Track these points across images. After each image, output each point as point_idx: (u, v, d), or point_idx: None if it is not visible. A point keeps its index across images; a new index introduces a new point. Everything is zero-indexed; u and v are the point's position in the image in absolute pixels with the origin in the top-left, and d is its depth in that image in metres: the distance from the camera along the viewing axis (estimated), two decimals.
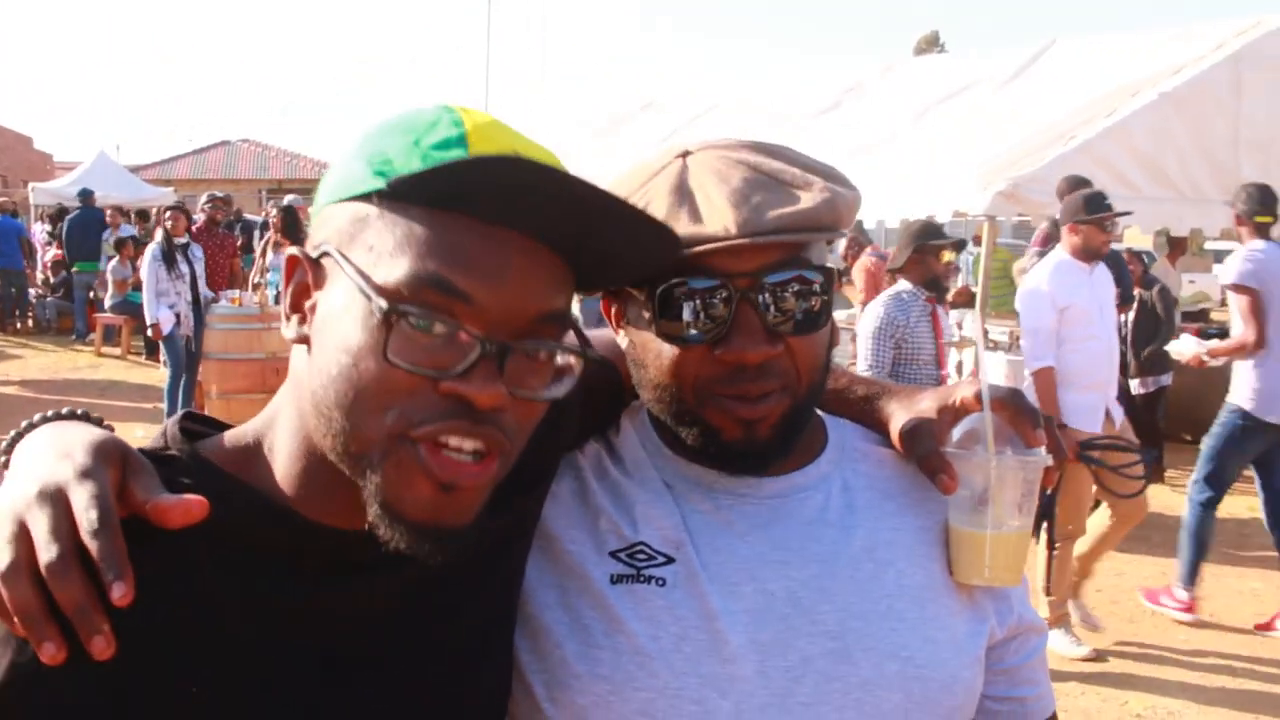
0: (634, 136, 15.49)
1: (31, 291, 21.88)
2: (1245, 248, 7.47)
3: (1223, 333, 13.11)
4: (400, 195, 1.16)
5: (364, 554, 1.26)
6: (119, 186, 30.06)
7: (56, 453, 1.16)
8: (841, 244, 13.17)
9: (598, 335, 1.72)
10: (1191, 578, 7.54)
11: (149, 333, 12.64)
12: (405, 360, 1.14)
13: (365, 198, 1.19)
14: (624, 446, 1.67)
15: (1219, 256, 29.41)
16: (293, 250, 1.26)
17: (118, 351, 18.36)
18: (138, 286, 16.69)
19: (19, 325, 21.23)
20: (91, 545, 1.08)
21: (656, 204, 1.47)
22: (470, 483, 1.19)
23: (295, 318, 1.26)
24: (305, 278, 1.25)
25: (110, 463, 1.15)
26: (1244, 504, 9.55)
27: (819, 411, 1.71)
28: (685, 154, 1.54)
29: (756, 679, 1.46)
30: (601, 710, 1.46)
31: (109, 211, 21.07)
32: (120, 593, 1.06)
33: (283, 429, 1.29)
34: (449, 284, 1.14)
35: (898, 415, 1.67)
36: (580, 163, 14.83)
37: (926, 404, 1.64)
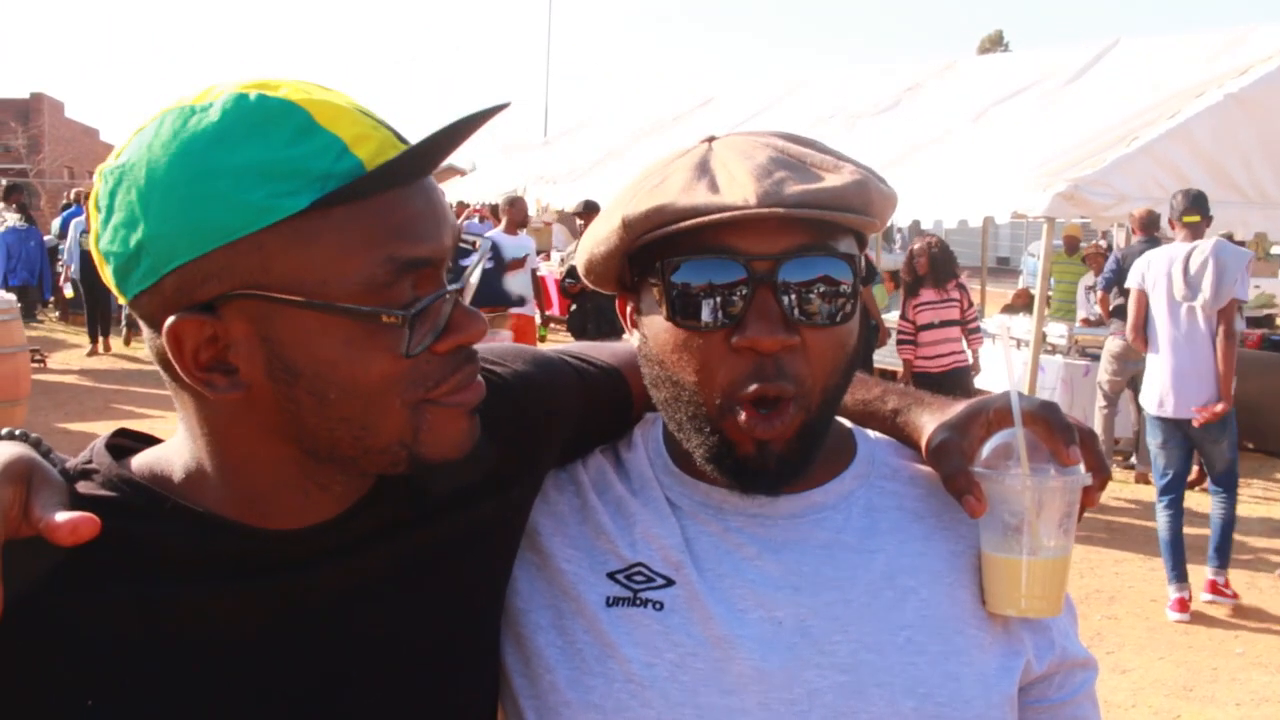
0: (691, 133, 15.46)
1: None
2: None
3: None
4: (327, 203, 1.13)
5: (304, 548, 1.27)
6: None
7: None
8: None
9: (612, 347, 1.69)
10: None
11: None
12: (414, 347, 1.18)
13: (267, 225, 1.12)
14: (632, 461, 1.59)
15: None
16: (178, 318, 1.13)
17: None
18: None
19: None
20: None
21: (675, 178, 1.41)
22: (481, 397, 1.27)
23: (216, 376, 1.17)
24: (206, 333, 1.15)
25: (11, 481, 1.13)
26: None
27: (847, 423, 1.63)
28: (712, 139, 1.49)
29: (758, 711, 1.37)
30: None
31: None
32: None
33: (217, 450, 1.25)
34: (414, 260, 1.17)
35: (928, 429, 1.55)
36: (633, 160, 14.83)
37: (959, 417, 1.52)
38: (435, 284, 1.19)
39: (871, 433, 1.64)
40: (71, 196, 22.57)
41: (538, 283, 13.56)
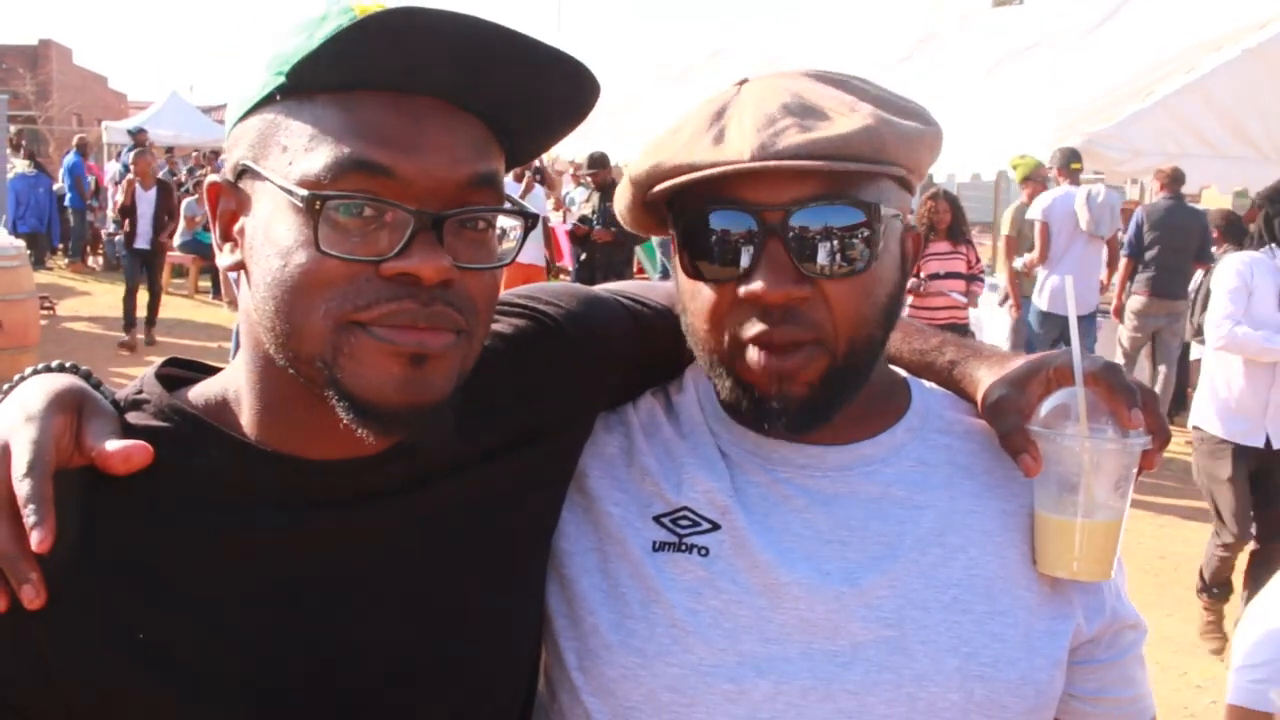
0: (699, 85, 15.35)
1: (111, 226, 22.04)
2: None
3: None
4: (301, 86, 1.14)
5: (349, 484, 1.26)
6: (190, 127, 30.30)
7: (14, 403, 1.17)
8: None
9: (666, 287, 1.66)
10: None
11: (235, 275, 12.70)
12: (340, 249, 1.12)
13: (269, 101, 1.17)
14: (682, 405, 1.56)
15: None
16: (212, 178, 1.24)
17: (185, 290, 18.59)
18: (208, 226, 16.77)
19: (85, 262, 21.52)
20: (18, 490, 1.08)
21: (687, 128, 1.40)
22: (439, 350, 1.16)
23: (227, 246, 1.24)
24: (230, 204, 1.23)
25: (62, 410, 1.15)
26: None
27: (903, 373, 1.61)
28: (744, 82, 1.46)
29: (800, 661, 1.36)
30: (630, 684, 1.38)
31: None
32: (39, 538, 1.05)
33: (247, 366, 1.26)
34: (368, 162, 1.12)
35: (985, 383, 1.52)
36: (648, 110, 14.76)
37: (1017, 373, 1.49)
38: (395, 199, 1.13)
39: (928, 384, 1.61)
40: (75, 143, 22.50)
41: (547, 233, 13.53)
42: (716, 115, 1.40)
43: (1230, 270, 6.36)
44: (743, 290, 1.34)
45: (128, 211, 14.42)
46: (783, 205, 1.32)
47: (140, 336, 14.02)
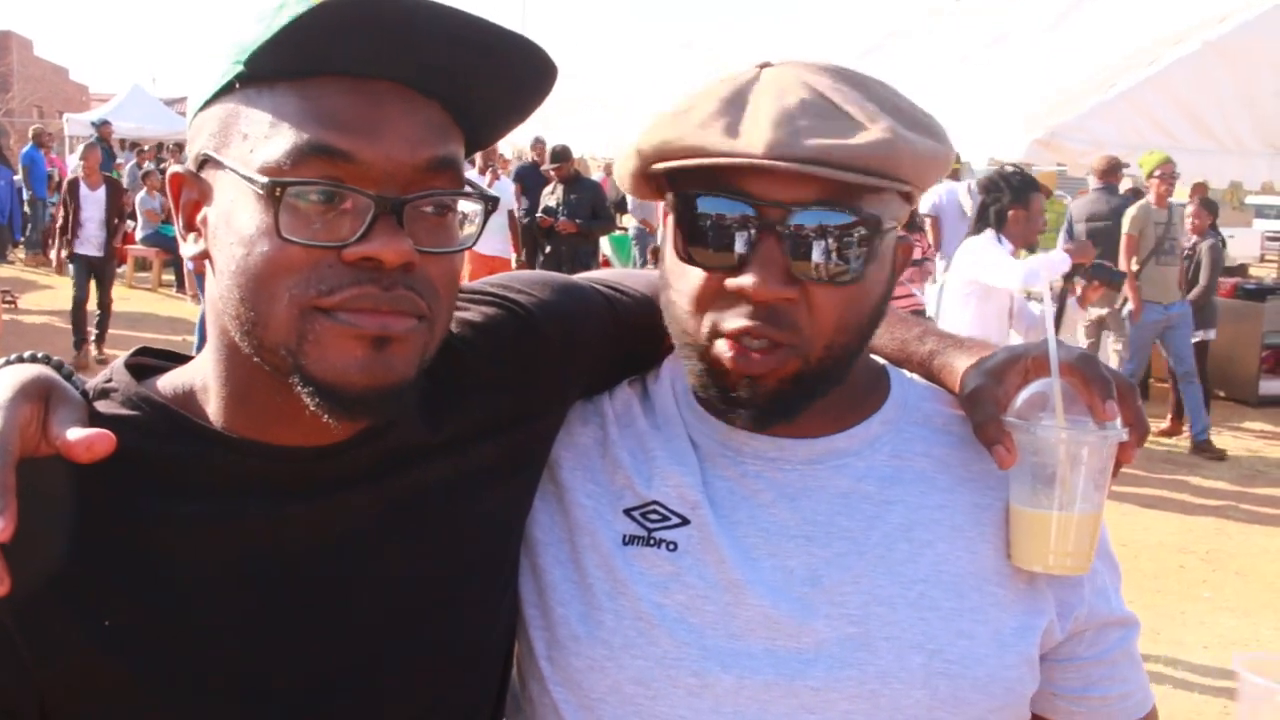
0: (670, 78, 15.35)
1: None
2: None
3: (1261, 289, 13.01)
4: (260, 74, 1.14)
5: (317, 471, 1.26)
6: (153, 119, 30.04)
7: None
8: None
9: (647, 275, 1.64)
10: None
11: (190, 265, 12.22)
12: (301, 236, 1.12)
13: (229, 90, 1.17)
14: (658, 395, 1.55)
15: (1261, 211, 28.88)
16: (175, 169, 1.24)
17: (149, 284, 18.45)
18: (168, 219, 16.65)
19: (47, 255, 21.32)
20: None
21: (700, 109, 1.35)
22: (401, 333, 1.16)
23: (191, 236, 1.24)
24: (193, 194, 1.23)
25: (28, 399, 1.14)
26: None
27: (883, 363, 1.59)
28: (765, 65, 1.41)
29: (764, 657, 1.36)
30: (596, 675, 1.39)
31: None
32: (0, 526, 1.04)
33: (214, 354, 1.26)
34: (328, 147, 1.12)
35: (963, 374, 1.49)
36: (612, 106, 14.76)
37: (995, 363, 1.45)
38: (355, 184, 1.13)
39: (909, 375, 1.59)
40: (30, 135, 22.30)
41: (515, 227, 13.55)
42: (732, 100, 1.36)
43: (985, 253, 6.76)
44: (731, 283, 1.32)
45: (66, 223, 13.15)
46: (786, 204, 1.30)
47: (92, 352, 12.60)
